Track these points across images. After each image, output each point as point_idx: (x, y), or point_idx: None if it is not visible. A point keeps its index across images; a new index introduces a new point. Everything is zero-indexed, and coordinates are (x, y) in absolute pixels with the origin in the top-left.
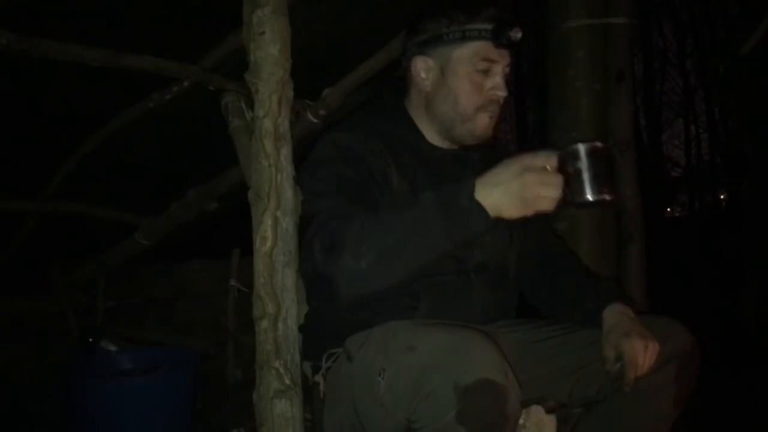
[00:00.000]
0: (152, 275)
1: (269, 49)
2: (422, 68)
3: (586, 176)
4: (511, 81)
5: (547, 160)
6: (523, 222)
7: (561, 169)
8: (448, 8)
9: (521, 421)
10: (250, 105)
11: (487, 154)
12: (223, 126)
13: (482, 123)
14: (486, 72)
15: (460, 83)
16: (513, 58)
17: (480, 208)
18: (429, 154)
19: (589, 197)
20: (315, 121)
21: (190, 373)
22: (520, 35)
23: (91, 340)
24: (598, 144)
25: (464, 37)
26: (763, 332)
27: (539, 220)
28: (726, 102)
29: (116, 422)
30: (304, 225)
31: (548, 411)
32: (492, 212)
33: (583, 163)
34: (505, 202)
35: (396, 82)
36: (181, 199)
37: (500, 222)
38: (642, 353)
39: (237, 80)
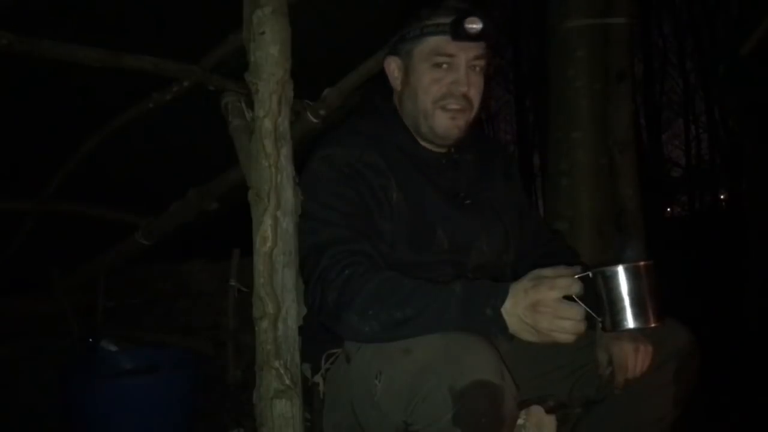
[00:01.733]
0: (152, 275)
1: (269, 49)
2: (394, 68)
3: (626, 301)
4: (492, 77)
5: (569, 286)
6: (519, 221)
7: (595, 290)
8: (416, 8)
9: (521, 421)
10: (250, 105)
11: (482, 156)
12: (223, 126)
13: (441, 120)
14: (447, 66)
15: (419, 79)
16: (485, 50)
17: (502, 323)
18: (423, 159)
19: (629, 324)
20: (315, 121)
21: (190, 373)
22: (478, 26)
23: (91, 340)
24: (641, 263)
25: (422, 34)
26: (763, 332)
27: (535, 218)
28: (726, 102)
29: (116, 422)
30: (304, 253)
31: (548, 411)
32: (510, 330)
33: (622, 287)
34: (520, 329)
35: (387, 83)
36: (181, 199)
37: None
38: (632, 357)
39: (237, 80)
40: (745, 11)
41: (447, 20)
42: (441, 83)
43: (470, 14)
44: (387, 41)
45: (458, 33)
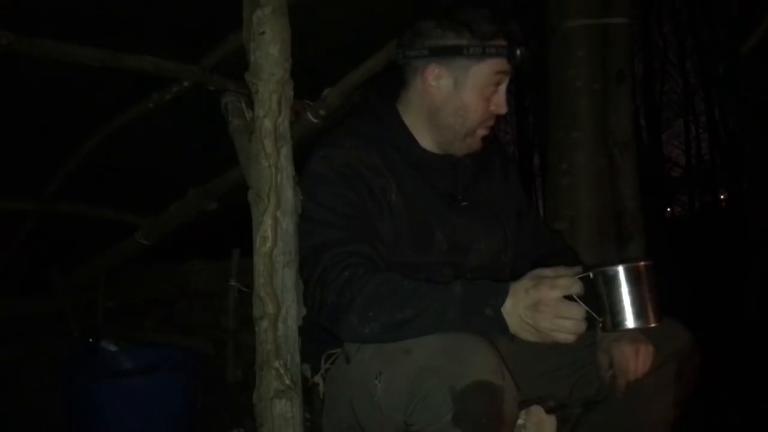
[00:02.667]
0: (152, 275)
1: (269, 49)
2: (433, 76)
3: (626, 301)
4: (510, 81)
5: (570, 286)
6: (517, 221)
7: (595, 290)
8: (468, 18)
9: (521, 421)
10: (250, 105)
11: (480, 157)
12: (223, 126)
13: (479, 138)
14: (496, 88)
15: (474, 98)
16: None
17: (502, 323)
18: (423, 161)
19: (629, 324)
20: (315, 121)
21: (190, 373)
22: (528, 54)
23: (91, 340)
24: (641, 263)
25: (484, 53)
26: (763, 332)
27: (534, 218)
28: (726, 102)
29: (116, 422)
30: (303, 254)
31: (548, 411)
32: (511, 330)
33: (622, 288)
34: (521, 329)
35: (385, 84)
36: (181, 199)
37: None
38: (633, 359)
39: (237, 80)
40: (745, 11)
41: (504, 43)
42: (487, 104)
43: (522, 40)
44: (416, 41)
45: (516, 58)
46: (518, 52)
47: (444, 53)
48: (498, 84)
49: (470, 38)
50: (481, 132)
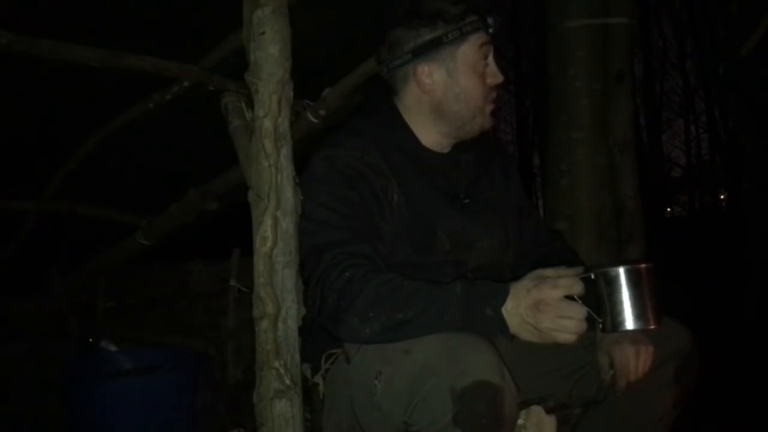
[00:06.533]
0: (152, 275)
1: (269, 49)
2: (426, 74)
3: (626, 303)
4: (510, 81)
5: (572, 286)
6: (518, 221)
7: (596, 291)
8: (433, 8)
9: (521, 421)
10: (250, 105)
11: (481, 156)
12: (223, 126)
13: (488, 115)
14: (485, 61)
15: (471, 78)
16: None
17: (503, 323)
18: (425, 160)
19: (629, 326)
20: (315, 121)
21: (190, 373)
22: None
23: (91, 340)
24: (642, 265)
25: (462, 33)
26: (763, 332)
27: (535, 218)
28: (726, 102)
29: (116, 422)
30: (304, 254)
31: (548, 411)
32: (511, 330)
33: (623, 289)
34: (522, 329)
35: (386, 84)
36: (181, 199)
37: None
38: (633, 359)
39: (237, 80)
40: (745, 11)
41: (476, 17)
42: (484, 79)
43: (491, 8)
44: (395, 48)
45: (492, 27)
46: (490, 20)
47: (426, 50)
48: (485, 56)
49: (444, 26)
50: (489, 107)
